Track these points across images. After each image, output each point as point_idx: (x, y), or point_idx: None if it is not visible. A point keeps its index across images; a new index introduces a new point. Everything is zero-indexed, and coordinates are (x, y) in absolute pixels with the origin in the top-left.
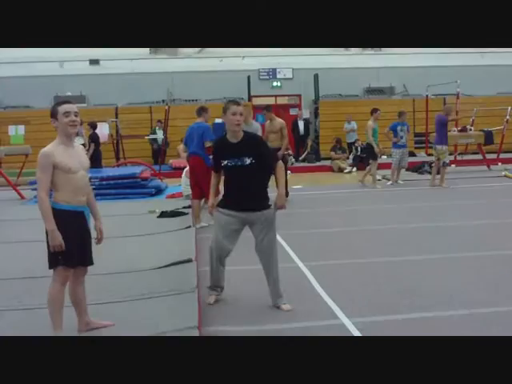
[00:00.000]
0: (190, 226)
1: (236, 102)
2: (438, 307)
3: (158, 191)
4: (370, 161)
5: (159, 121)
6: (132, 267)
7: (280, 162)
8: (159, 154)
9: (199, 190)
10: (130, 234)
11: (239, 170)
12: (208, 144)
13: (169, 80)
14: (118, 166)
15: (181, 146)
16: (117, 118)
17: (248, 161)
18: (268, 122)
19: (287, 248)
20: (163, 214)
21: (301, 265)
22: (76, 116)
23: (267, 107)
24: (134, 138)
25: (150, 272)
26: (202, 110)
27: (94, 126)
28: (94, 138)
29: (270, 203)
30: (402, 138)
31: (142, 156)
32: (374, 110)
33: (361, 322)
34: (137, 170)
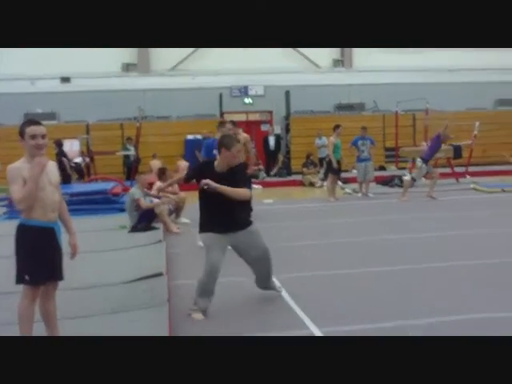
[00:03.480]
0: (160, 241)
1: (237, 140)
2: (409, 316)
3: None
4: (329, 174)
5: (129, 138)
6: (103, 282)
7: (245, 190)
8: (131, 170)
9: None
10: (101, 249)
11: (219, 195)
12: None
13: (140, 97)
14: (89, 182)
15: (182, 163)
16: (88, 134)
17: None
18: None
19: None
20: (134, 229)
21: (272, 277)
22: (43, 138)
23: (232, 122)
24: (106, 155)
25: (120, 286)
26: (219, 125)
27: (59, 144)
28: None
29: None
30: (363, 152)
31: (113, 172)
32: (337, 126)
33: (332, 332)
34: (108, 185)
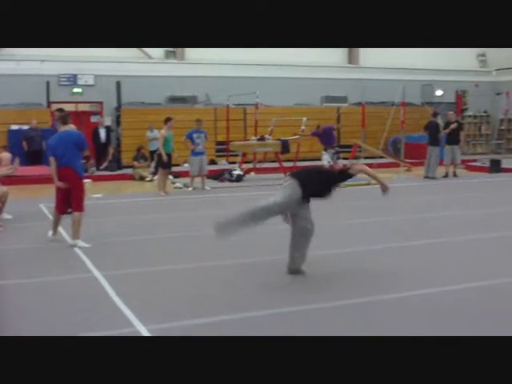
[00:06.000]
0: None
1: None
2: (231, 311)
3: None
4: (160, 168)
5: None
6: None
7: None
8: None
9: (66, 203)
10: None
11: None
12: (87, 153)
13: None
14: None
15: (6, 154)
16: None
17: None
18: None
19: (84, 257)
20: None
21: (97, 274)
22: None
23: (59, 110)
24: None
25: None
26: (69, 117)
27: None
28: None
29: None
30: (198, 145)
31: None
32: (168, 119)
33: (158, 329)
34: None
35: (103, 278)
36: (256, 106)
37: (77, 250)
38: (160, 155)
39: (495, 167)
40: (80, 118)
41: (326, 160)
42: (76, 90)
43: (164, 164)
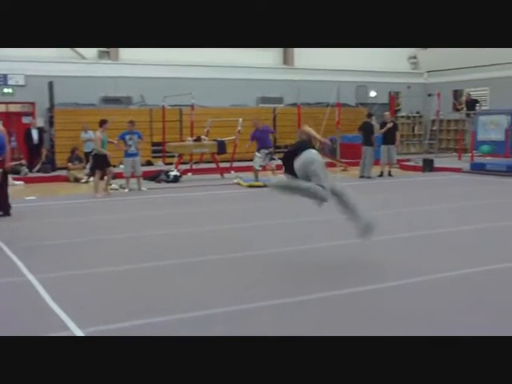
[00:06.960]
0: None
1: None
2: (168, 312)
3: None
4: (96, 170)
5: None
6: None
7: None
8: None
9: None
10: None
11: None
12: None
13: None
14: None
15: None
16: None
17: None
18: None
19: (17, 261)
20: None
21: (31, 278)
22: None
23: None
24: None
25: None
26: None
27: None
28: None
29: None
30: (130, 146)
31: None
32: (103, 122)
33: (94, 332)
34: None
35: (37, 282)
36: (192, 106)
37: (10, 253)
38: (95, 156)
39: (428, 166)
40: (11, 118)
41: (257, 162)
42: (6, 90)
43: (101, 165)
